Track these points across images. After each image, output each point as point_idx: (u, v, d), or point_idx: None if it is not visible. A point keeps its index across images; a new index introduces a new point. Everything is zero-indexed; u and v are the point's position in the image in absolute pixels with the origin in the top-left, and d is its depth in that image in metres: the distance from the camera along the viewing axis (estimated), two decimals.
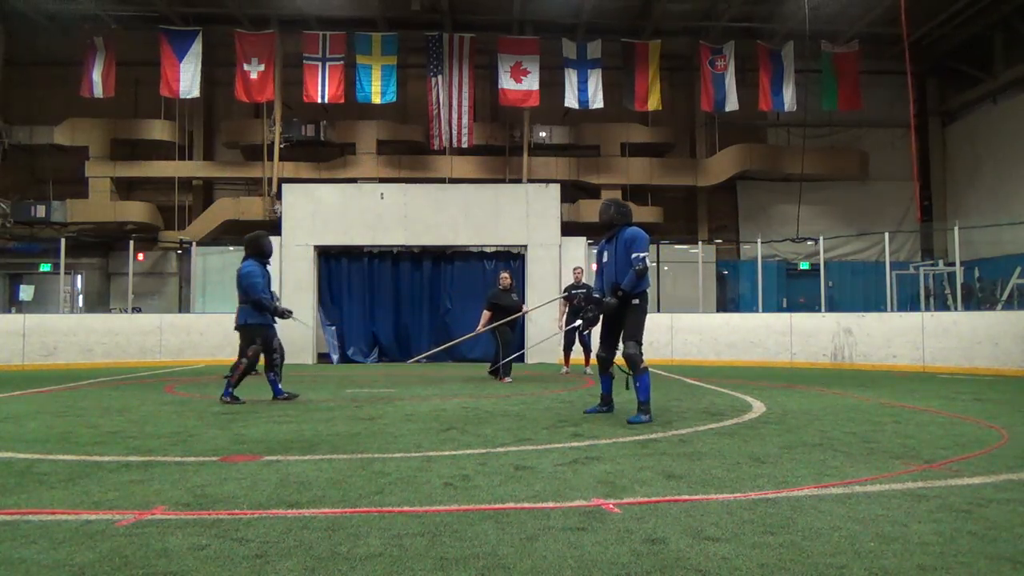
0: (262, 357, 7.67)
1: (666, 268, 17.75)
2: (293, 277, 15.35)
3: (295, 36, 18.78)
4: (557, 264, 15.70)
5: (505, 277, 10.84)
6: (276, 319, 7.80)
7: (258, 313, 7.60)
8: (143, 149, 20.33)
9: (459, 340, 12.44)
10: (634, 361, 5.99)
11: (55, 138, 19.40)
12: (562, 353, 12.41)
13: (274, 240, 15.64)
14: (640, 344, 6.07)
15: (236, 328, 7.75)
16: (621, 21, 19.19)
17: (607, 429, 5.70)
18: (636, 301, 6.10)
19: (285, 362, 8.33)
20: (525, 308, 10.25)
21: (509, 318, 10.25)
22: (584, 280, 12.00)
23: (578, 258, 15.67)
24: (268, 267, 7.94)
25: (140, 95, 19.91)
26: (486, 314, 10.48)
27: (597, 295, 6.32)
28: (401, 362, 15.63)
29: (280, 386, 7.82)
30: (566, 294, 11.41)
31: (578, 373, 11.87)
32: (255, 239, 7.93)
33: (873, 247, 19.45)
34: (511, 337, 10.60)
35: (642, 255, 6.09)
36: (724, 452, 4.64)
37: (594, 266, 16.47)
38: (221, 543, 2.79)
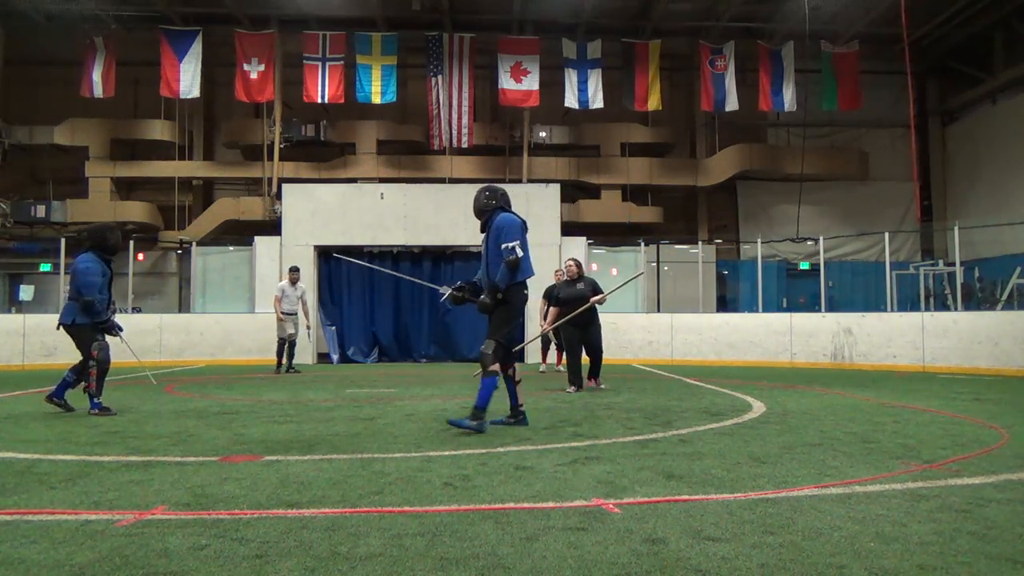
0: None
1: (666, 268, 17.75)
2: None
3: (295, 36, 18.78)
4: (557, 264, 15.68)
5: (570, 265, 9.30)
6: (104, 327, 6.76)
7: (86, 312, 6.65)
8: (143, 149, 20.32)
9: (527, 342, 11.47)
10: (485, 360, 5.43)
11: (55, 138, 19.39)
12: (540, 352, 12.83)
13: (273, 240, 16.02)
14: (498, 343, 5.47)
15: (60, 326, 6.72)
16: (621, 21, 19.18)
17: (607, 429, 5.70)
18: (500, 296, 5.51)
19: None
20: (595, 297, 8.61)
21: (572, 314, 8.58)
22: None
23: (578, 258, 15.68)
24: (111, 265, 6.86)
25: (140, 95, 19.91)
26: (552, 311, 9.25)
27: (475, 280, 5.84)
28: (401, 362, 15.63)
29: (64, 393, 6.76)
30: (547, 296, 10.53)
31: (554, 372, 12.03)
32: (99, 229, 6.88)
33: (873, 247, 19.45)
34: (578, 336, 8.99)
35: (511, 244, 5.42)
36: (724, 452, 4.64)
37: (594, 266, 16.67)
38: (221, 543, 2.79)
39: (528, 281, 5.76)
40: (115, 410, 6.72)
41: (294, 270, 12.63)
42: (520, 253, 5.46)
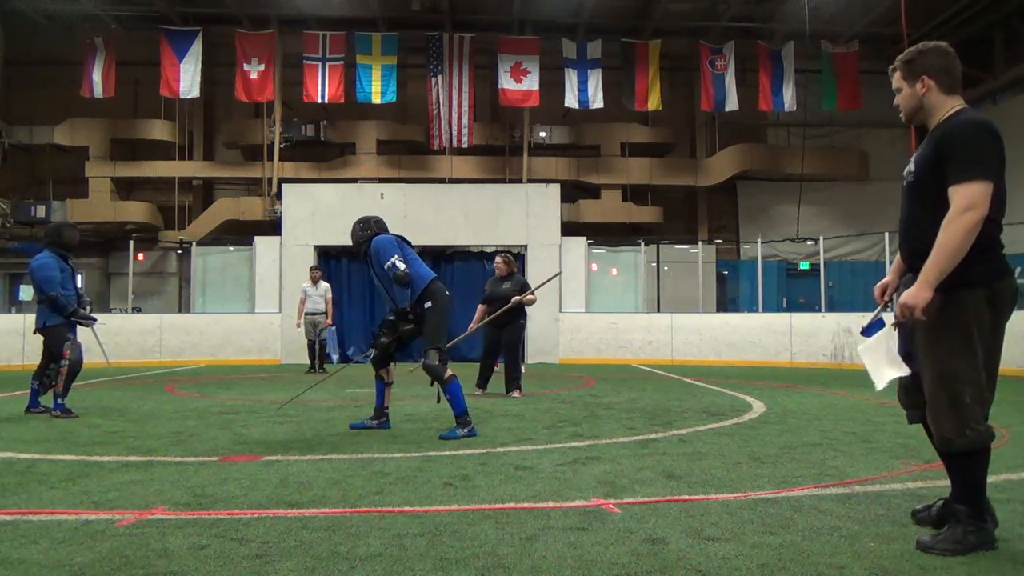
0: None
1: (666, 268, 17.75)
2: (293, 277, 15.35)
3: (295, 36, 18.77)
4: (557, 264, 15.70)
5: (497, 263, 8.72)
6: (76, 323, 6.62)
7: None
8: (143, 149, 20.32)
9: (454, 340, 11.35)
10: (436, 373, 5.34)
11: (55, 138, 19.38)
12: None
13: (273, 240, 16.01)
14: (441, 351, 5.38)
15: (37, 331, 6.62)
16: (621, 21, 19.17)
17: (607, 429, 5.70)
18: (428, 304, 5.41)
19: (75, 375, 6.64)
20: (517, 297, 8.20)
21: (496, 312, 8.15)
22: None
23: (578, 258, 15.82)
24: (70, 262, 6.71)
25: (140, 95, 19.89)
26: (480, 309, 8.63)
27: (391, 318, 5.60)
28: (401, 362, 15.62)
29: (39, 399, 6.70)
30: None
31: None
32: (56, 227, 6.86)
33: (873, 247, 19.43)
34: (496, 337, 8.53)
35: (389, 262, 5.34)
36: (724, 452, 4.64)
37: (594, 266, 16.68)
38: (221, 543, 2.79)
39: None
40: (76, 412, 6.52)
41: (315, 268, 12.70)
42: (402, 266, 5.33)
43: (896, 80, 2.94)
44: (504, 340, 8.49)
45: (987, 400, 2.72)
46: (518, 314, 8.40)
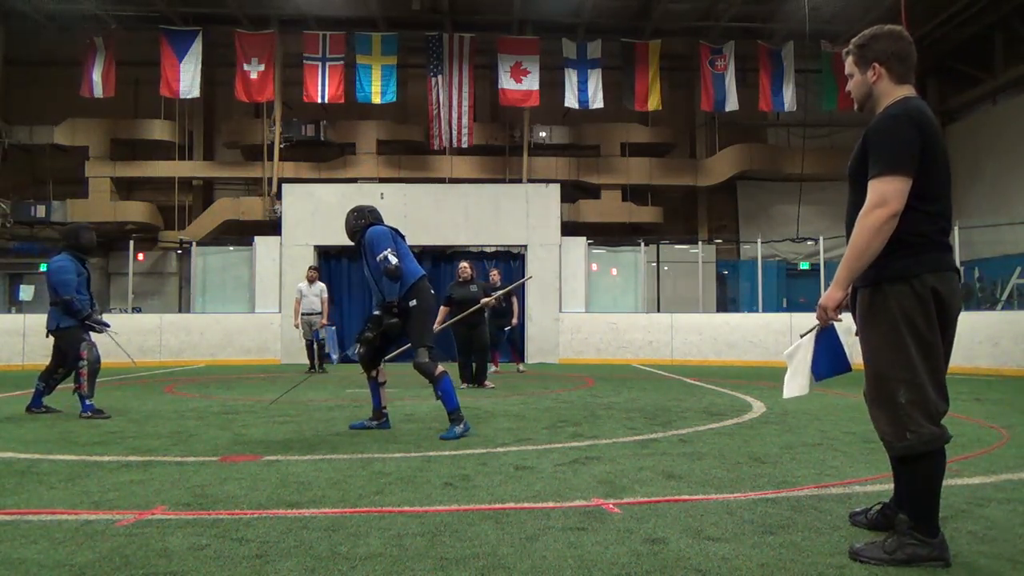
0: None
1: (666, 268, 17.75)
2: (293, 277, 15.35)
3: (295, 36, 18.78)
4: (557, 264, 15.71)
5: (464, 267, 9.60)
6: (89, 328, 6.60)
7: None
8: (143, 149, 20.32)
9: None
10: (427, 371, 5.32)
11: (55, 138, 19.38)
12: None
13: (273, 240, 16.01)
14: (430, 348, 5.38)
15: (50, 333, 6.63)
16: (621, 21, 19.17)
17: (607, 429, 5.70)
18: (413, 302, 5.42)
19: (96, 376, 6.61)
20: (485, 299, 9.03)
21: (463, 314, 8.67)
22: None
23: (578, 258, 15.85)
24: (87, 264, 6.74)
25: (140, 95, 19.90)
26: (442, 310, 9.10)
27: (377, 312, 5.57)
28: (401, 362, 15.61)
29: (42, 400, 6.73)
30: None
31: (510, 372, 12.14)
32: (73, 229, 6.79)
33: None
34: (469, 336, 9.29)
35: (382, 254, 5.33)
36: (724, 452, 4.64)
37: (594, 266, 16.67)
38: (221, 543, 2.79)
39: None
40: (108, 412, 6.51)
41: (313, 268, 12.70)
42: (394, 260, 5.34)
43: (848, 65, 2.78)
44: (477, 338, 9.37)
45: (931, 400, 2.47)
46: (484, 314, 9.37)
